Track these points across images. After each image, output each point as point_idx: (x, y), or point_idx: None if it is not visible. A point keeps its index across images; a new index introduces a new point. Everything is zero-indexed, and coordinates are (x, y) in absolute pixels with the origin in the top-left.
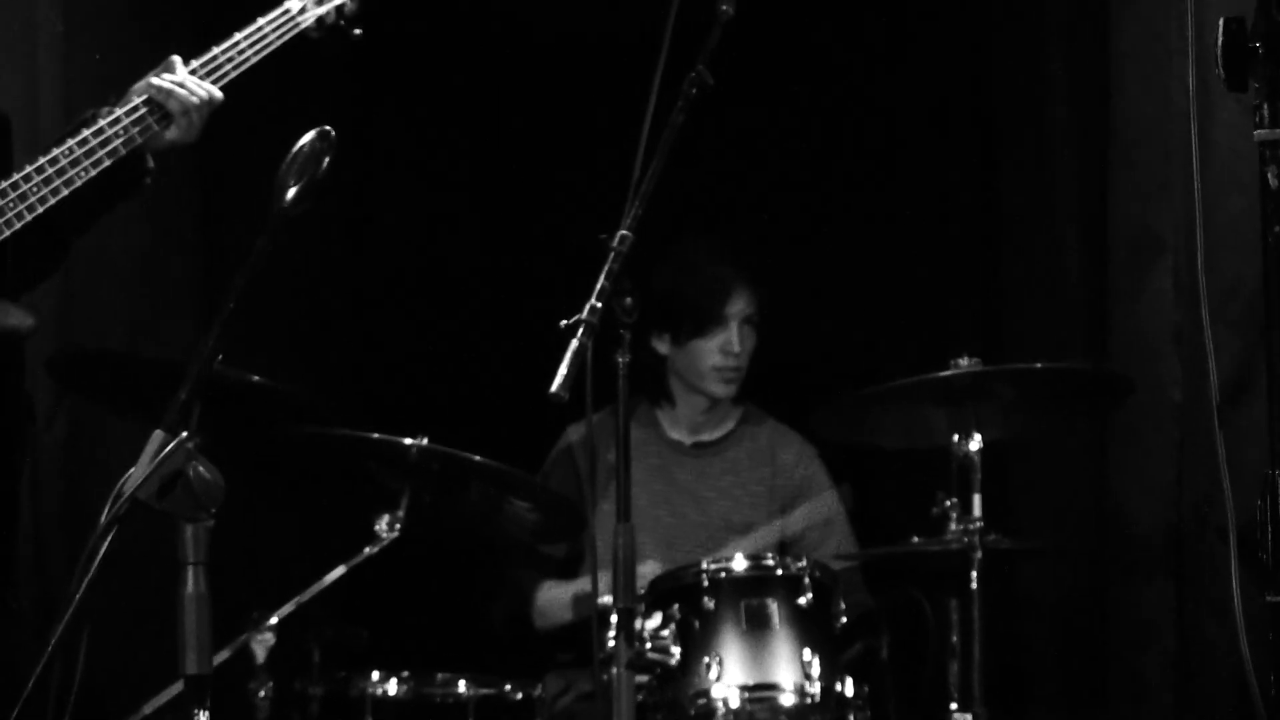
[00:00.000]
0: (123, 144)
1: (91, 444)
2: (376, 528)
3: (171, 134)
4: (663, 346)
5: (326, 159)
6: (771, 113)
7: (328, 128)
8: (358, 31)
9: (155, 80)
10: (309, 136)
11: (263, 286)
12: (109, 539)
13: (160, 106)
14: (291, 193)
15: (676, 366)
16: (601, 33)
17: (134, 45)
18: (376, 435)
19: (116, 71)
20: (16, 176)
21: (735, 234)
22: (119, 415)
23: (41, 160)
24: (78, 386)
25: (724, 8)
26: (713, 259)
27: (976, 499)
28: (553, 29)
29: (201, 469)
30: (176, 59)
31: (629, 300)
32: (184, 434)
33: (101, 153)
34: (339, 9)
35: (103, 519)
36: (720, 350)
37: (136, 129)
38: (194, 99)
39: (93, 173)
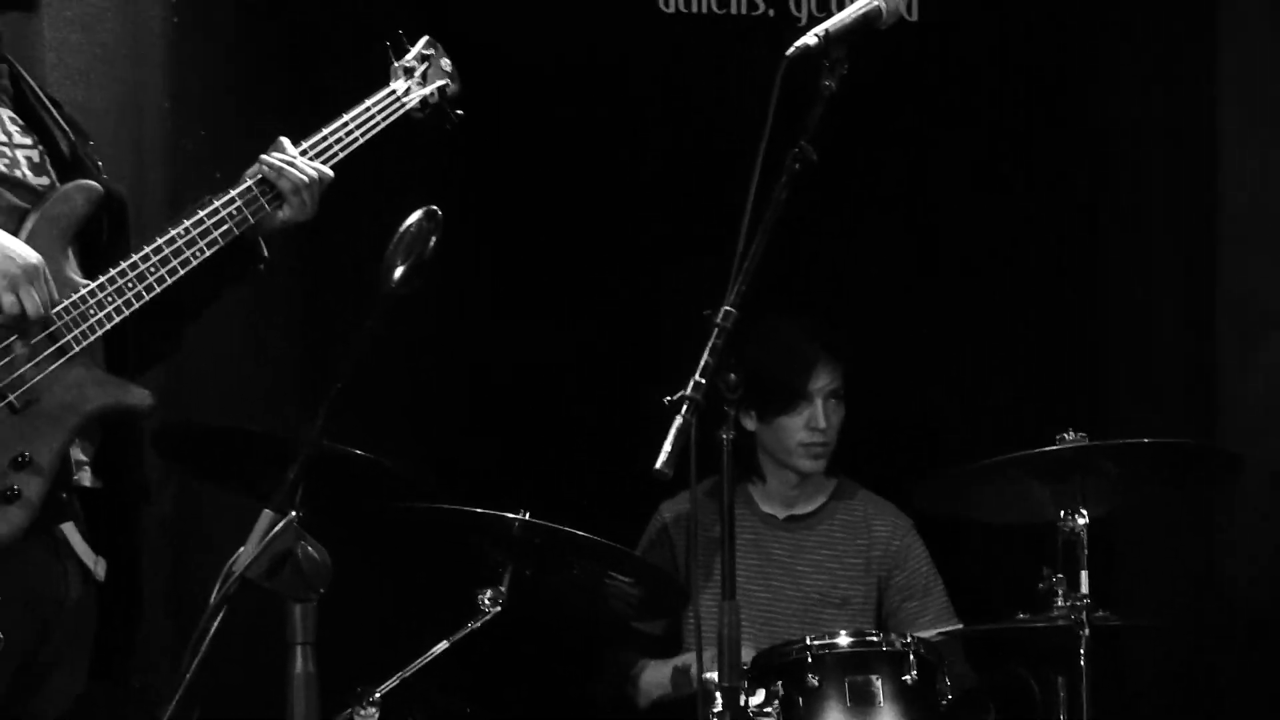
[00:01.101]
0: (236, 224)
1: (196, 519)
2: (479, 602)
3: (284, 214)
4: (750, 423)
5: (433, 239)
6: (868, 185)
7: (434, 208)
8: (459, 113)
9: (267, 159)
10: (416, 216)
11: (367, 362)
12: (219, 618)
13: (272, 186)
14: (399, 272)
15: (765, 442)
16: (703, 106)
17: (237, 123)
18: (480, 510)
19: (221, 149)
20: (135, 257)
21: (829, 305)
22: (224, 490)
23: (158, 241)
24: (183, 461)
25: (827, 83)
26: (795, 335)
27: (1083, 575)
28: (657, 103)
29: (310, 549)
30: (285, 140)
31: (733, 377)
32: (293, 514)
33: (216, 233)
34: (441, 90)
35: (213, 598)
36: (806, 427)
37: (250, 209)
38: (304, 177)
39: (208, 252)
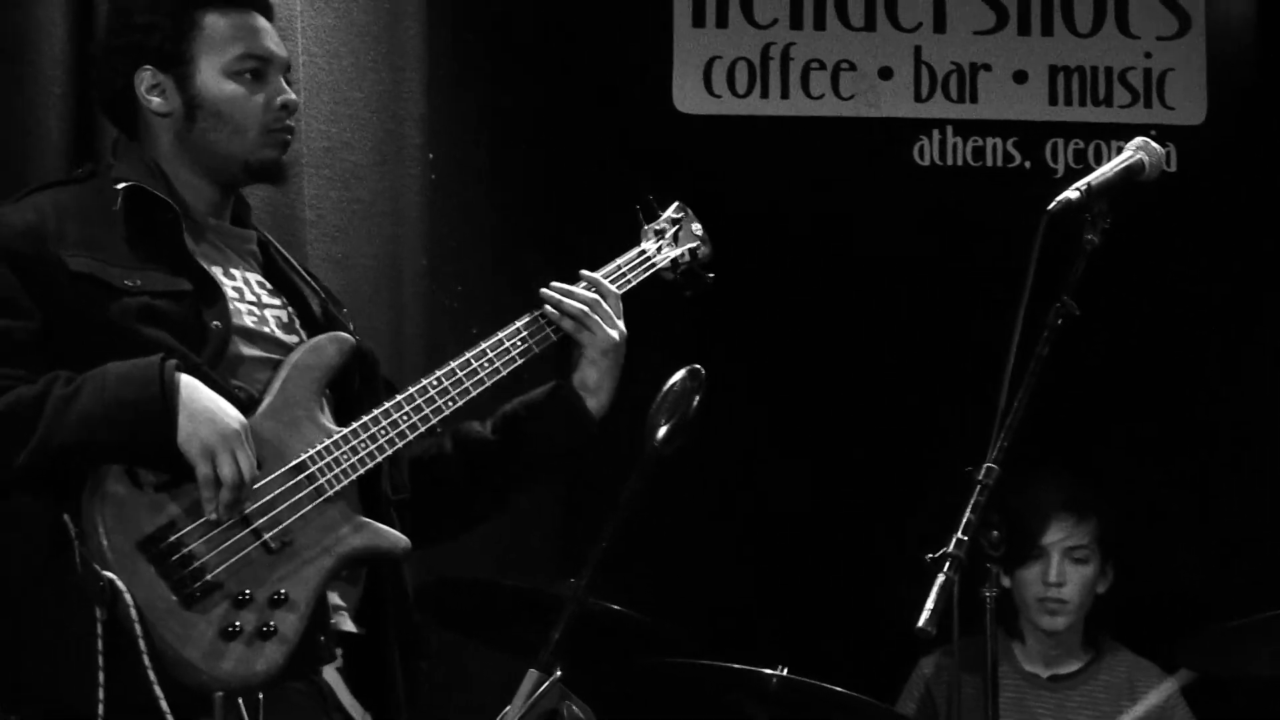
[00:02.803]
0: (519, 354)
1: (457, 674)
2: None
3: (588, 352)
4: (1005, 579)
5: (697, 398)
6: (1123, 337)
7: (698, 367)
8: (711, 276)
9: (547, 290)
10: (679, 375)
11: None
12: None
13: (551, 320)
14: (662, 432)
15: (1014, 598)
16: (960, 259)
17: (494, 280)
18: (737, 666)
19: (478, 306)
20: (387, 405)
21: (1092, 462)
22: (484, 644)
23: (411, 389)
24: (444, 616)
25: (1089, 237)
26: (1037, 487)
27: None
28: (913, 255)
29: (575, 708)
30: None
31: (995, 534)
32: (557, 673)
33: (468, 382)
34: (692, 252)
35: None
36: (1042, 581)
37: (534, 339)
38: (584, 304)
39: (488, 383)
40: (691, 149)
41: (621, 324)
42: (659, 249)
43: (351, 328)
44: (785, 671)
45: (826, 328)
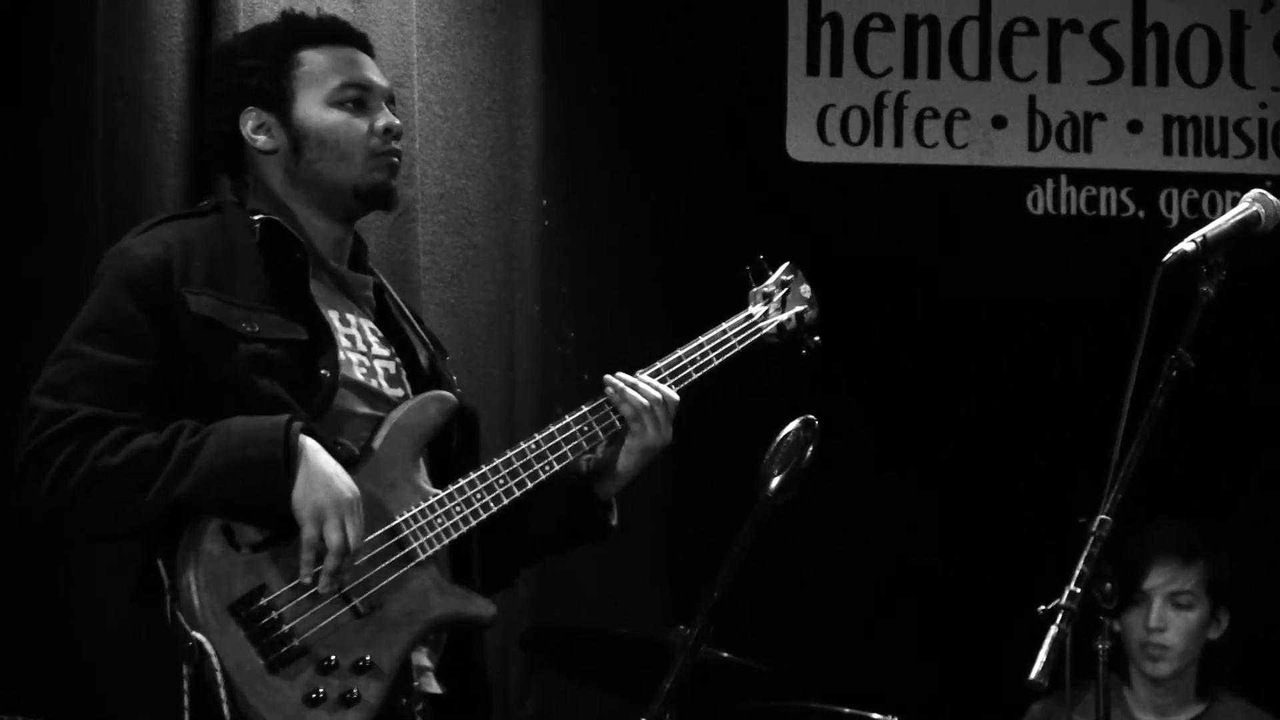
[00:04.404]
0: (586, 439)
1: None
2: None
3: (631, 441)
4: (1115, 624)
5: (811, 448)
6: (1239, 390)
7: (811, 417)
8: (817, 339)
9: (611, 379)
10: (793, 426)
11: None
12: None
13: (615, 407)
14: (775, 482)
15: (1123, 644)
16: (1072, 309)
17: (607, 327)
18: (849, 711)
19: (590, 352)
20: (485, 469)
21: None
22: (592, 690)
23: (509, 454)
24: (549, 662)
25: (1204, 289)
26: (1137, 533)
27: None
28: (1026, 304)
29: None
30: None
31: (1109, 586)
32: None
33: (566, 448)
34: (799, 315)
35: None
36: (1143, 626)
37: (600, 425)
38: (645, 400)
39: (557, 467)
40: (805, 197)
41: (670, 429)
42: (765, 314)
43: (455, 379)
44: (895, 719)
45: (939, 376)
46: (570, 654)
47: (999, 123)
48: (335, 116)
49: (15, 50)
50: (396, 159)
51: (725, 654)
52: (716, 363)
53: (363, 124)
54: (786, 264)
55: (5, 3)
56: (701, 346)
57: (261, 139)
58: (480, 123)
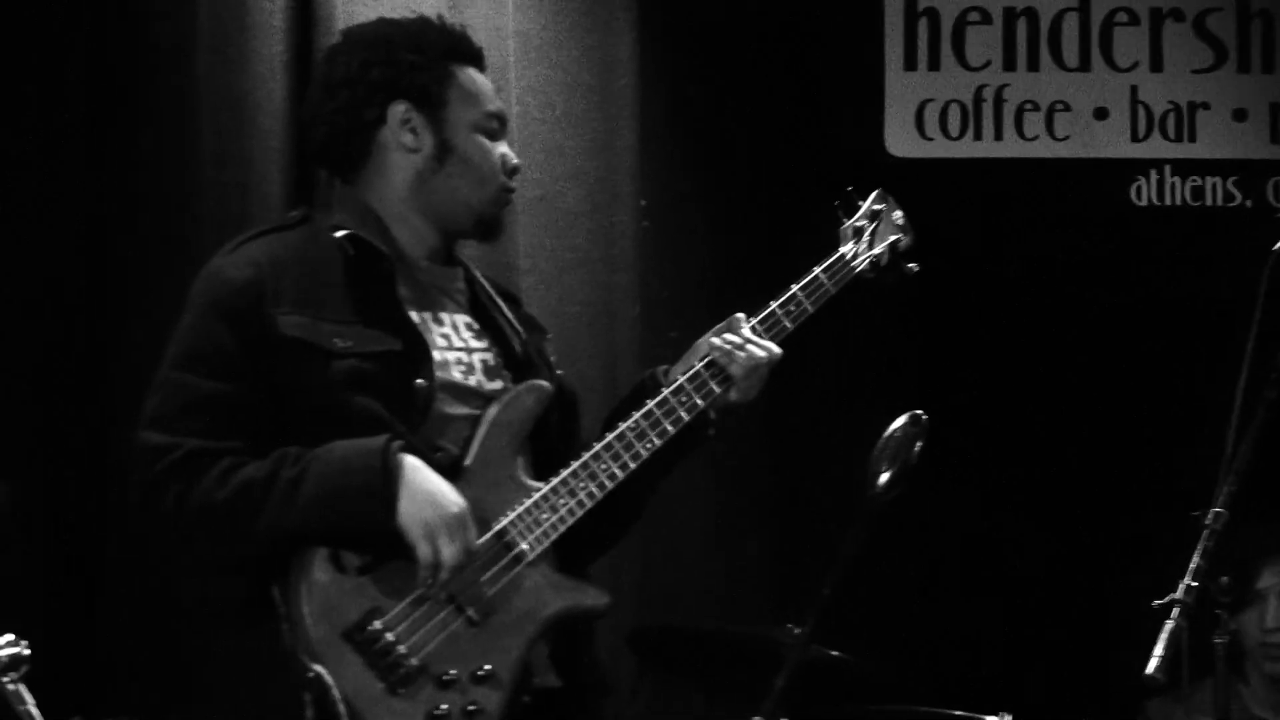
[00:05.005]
0: (686, 410)
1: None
2: None
3: (733, 396)
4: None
5: (918, 444)
6: None
7: (919, 413)
8: (912, 266)
9: (717, 341)
10: (901, 422)
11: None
12: None
13: (721, 369)
14: (884, 479)
15: (1240, 641)
16: (1179, 301)
17: (707, 326)
18: (960, 712)
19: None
20: (586, 456)
21: None
22: (697, 691)
23: (609, 437)
24: (658, 661)
25: None
26: (1258, 530)
27: None
28: (1131, 297)
29: None
30: (740, 316)
31: (1225, 580)
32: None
33: (666, 422)
34: (893, 246)
35: None
36: (1259, 626)
37: (699, 395)
38: (754, 360)
39: (659, 443)
40: (904, 193)
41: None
42: (856, 253)
43: (554, 360)
44: (1009, 718)
45: (1043, 370)
46: (679, 654)
47: (1100, 114)
48: (481, 141)
49: (121, 69)
50: (511, 197)
51: (835, 653)
52: (812, 310)
53: (497, 155)
54: (876, 192)
55: (109, 22)
56: (795, 296)
57: (408, 137)
58: (578, 125)
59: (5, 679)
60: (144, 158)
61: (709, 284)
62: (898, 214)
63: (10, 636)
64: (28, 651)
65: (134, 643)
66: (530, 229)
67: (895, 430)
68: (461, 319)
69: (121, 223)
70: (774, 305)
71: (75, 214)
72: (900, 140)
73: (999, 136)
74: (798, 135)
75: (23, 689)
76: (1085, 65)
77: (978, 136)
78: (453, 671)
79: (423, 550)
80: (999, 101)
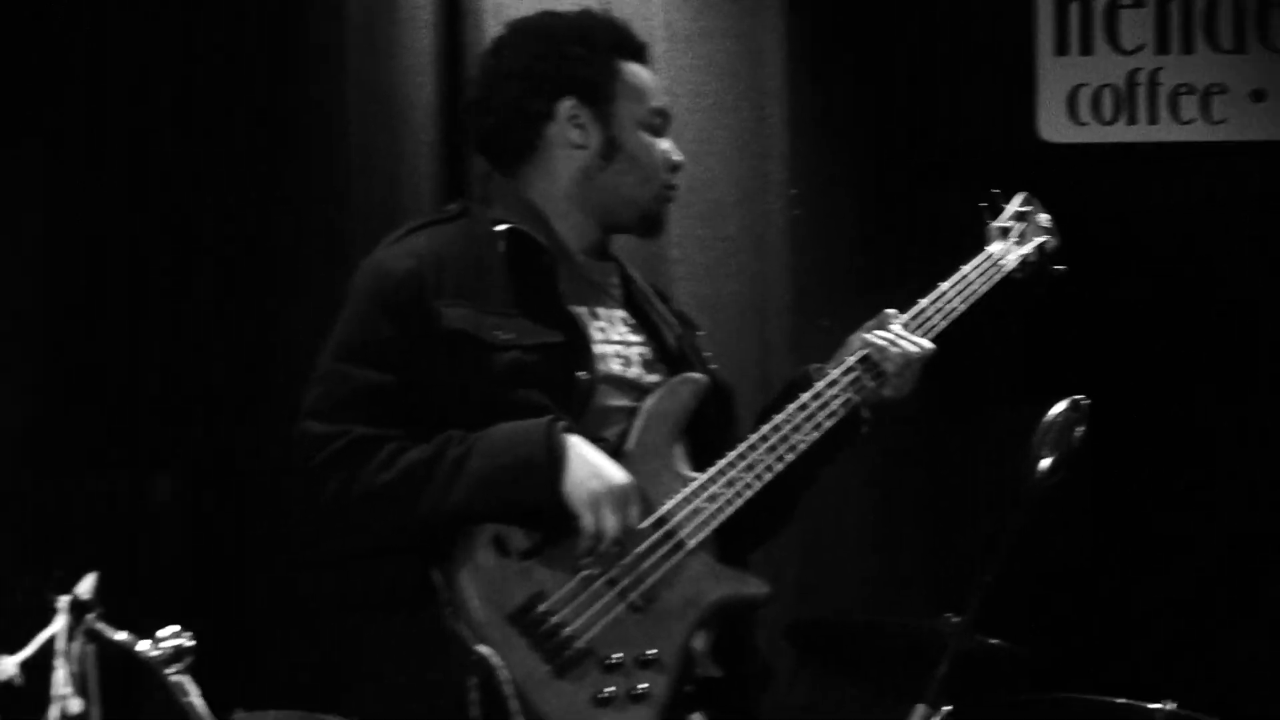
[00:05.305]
0: (841, 405)
1: (829, 712)
2: None
3: (886, 392)
4: None
5: (1079, 430)
6: None
7: (1080, 398)
8: (1059, 267)
9: (869, 337)
10: (1061, 407)
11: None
12: None
13: (875, 365)
14: (1045, 464)
15: None
16: None
17: (860, 313)
18: (1123, 700)
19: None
20: (743, 447)
21: None
22: (856, 683)
23: (764, 429)
24: (815, 653)
25: None
26: None
27: None
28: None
29: None
30: (892, 312)
31: None
32: (946, 708)
33: (820, 415)
34: (1040, 247)
35: None
36: None
37: (852, 389)
38: (906, 356)
39: (814, 435)
40: (1057, 178)
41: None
42: (1005, 251)
43: (708, 355)
44: (1174, 707)
45: (1197, 357)
46: (837, 645)
47: (1258, 96)
48: (645, 138)
49: (273, 64)
50: (673, 196)
51: (995, 642)
52: (962, 308)
53: (661, 152)
54: (1022, 194)
55: (262, 18)
56: (945, 294)
57: (575, 132)
58: (727, 114)
59: (170, 670)
60: (294, 152)
61: (861, 271)
62: (1044, 216)
63: (175, 628)
64: (192, 643)
65: (290, 634)
66: (681, 219)
67: (1056, 415)
68: (618, 313)
69: (273, 218)
70: (925, 302)
71: (225, 209)
72: (1053, 125)
73: (1153, 120)
74: (948, 121)
75: (187, 680)
76: (1241, 47)
77: (1131, 120)
78: (618, 655)
79: (586, 519)
80: (1153, 85)
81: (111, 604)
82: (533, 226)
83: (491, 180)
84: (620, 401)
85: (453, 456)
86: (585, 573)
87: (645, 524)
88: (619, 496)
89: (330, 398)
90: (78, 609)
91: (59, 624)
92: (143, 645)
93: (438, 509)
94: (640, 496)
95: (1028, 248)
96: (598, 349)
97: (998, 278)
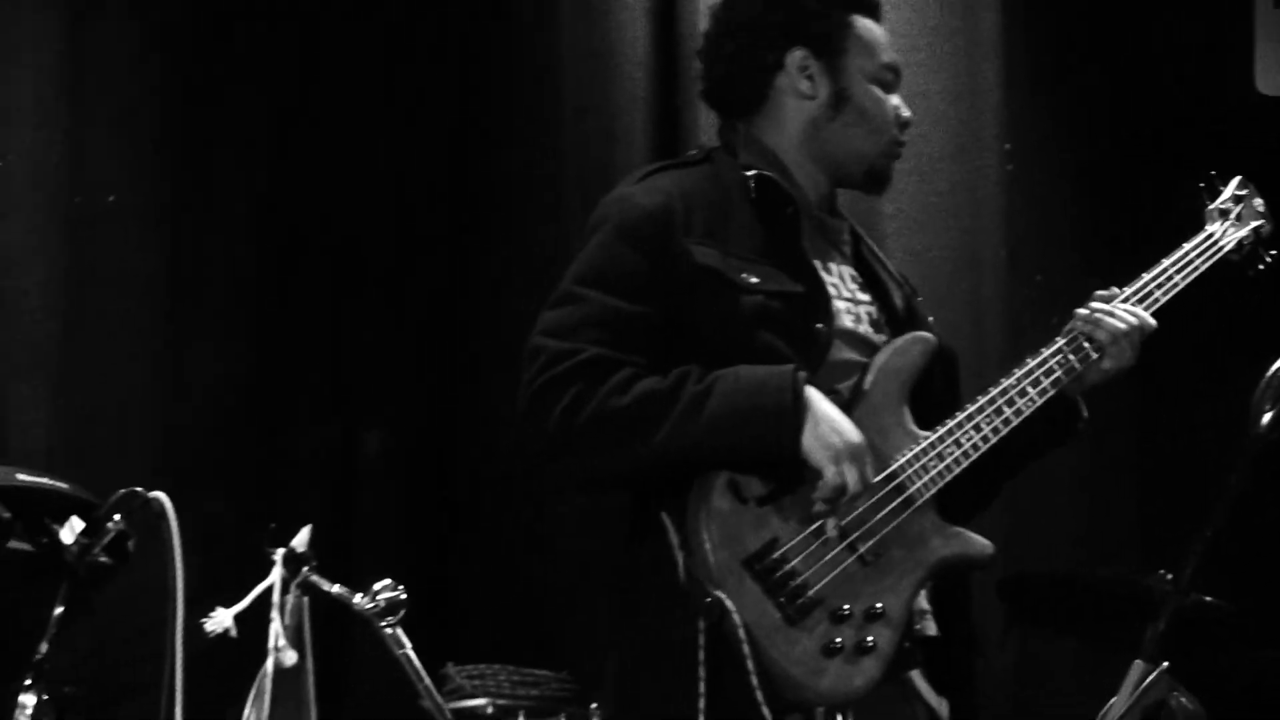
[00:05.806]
0: (1065, 372)
1: (1041, 668)
2: None
3: (1105, 364)
4: None
5: None
6: None
7: None
8: (1272, 253)
9: (1082, 311)
10: None
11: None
12: None
13: (1090, 335)
14: (1268, 417)
15: None
16: None
17: (1074, 268)
18: None
19: (1058, 295)
20: (970, 409)
21: None
22: (1068, 637)
23: (992, 392)
24: (1027, 610)
25: None
26: None
27: None
28: None
29: (1184, 699)
30: (1113, 290)
31: None
32: (1164, 664)
33: (1046, 381)
34: (1256, 230)
35: None
36: None
37: (1076, 356)
38: (1122, 325)
39: (1039, 401)
40: (1275, 132)
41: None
42: (1224, 231)
43: (930, 320)
44: None
45: None
46: (1048, 601)
47: None
48: (875, 92)
49: (490, 26)
50: (901, 151)
51: (1210, 599)
52: (1181, 285)
53: (890, 107)
54: (1239, 179)
55: None
56: (1166, 270)
57: (805, 84)
58: (941, 68)
59: (384, 623)
60: (509, 113)
61: (1074, 227)
62: (1259, 201)
63: (388, 581)
64: (404, 596)
65: (498, 590)
66: (896, 174)
67: (1279, 369)
68: (847, 270)
69: (491, 177)
70: (1146, 277)
71: (442, 167)
72: (1271, 78)
73: None
74: (1164, 75)
75: (400, 633)
76: None
77: None
78: (847, 607)
79: (830, 473)
80: None
81: (325, 558)
82: (778, 175)
83: (735, 129)
84: (853, 355)
85: (692, 392)
86: (818, 523)
87: (878, 479)
88: (858, 453)
89: (570, 319)
90: (293, 561)
91: (274, 576)
92: (357, 599)
93: (672, 443)
94: (872, 453)
95: (1244, 230)
96: (833, 304)
97: (1216, 258)
